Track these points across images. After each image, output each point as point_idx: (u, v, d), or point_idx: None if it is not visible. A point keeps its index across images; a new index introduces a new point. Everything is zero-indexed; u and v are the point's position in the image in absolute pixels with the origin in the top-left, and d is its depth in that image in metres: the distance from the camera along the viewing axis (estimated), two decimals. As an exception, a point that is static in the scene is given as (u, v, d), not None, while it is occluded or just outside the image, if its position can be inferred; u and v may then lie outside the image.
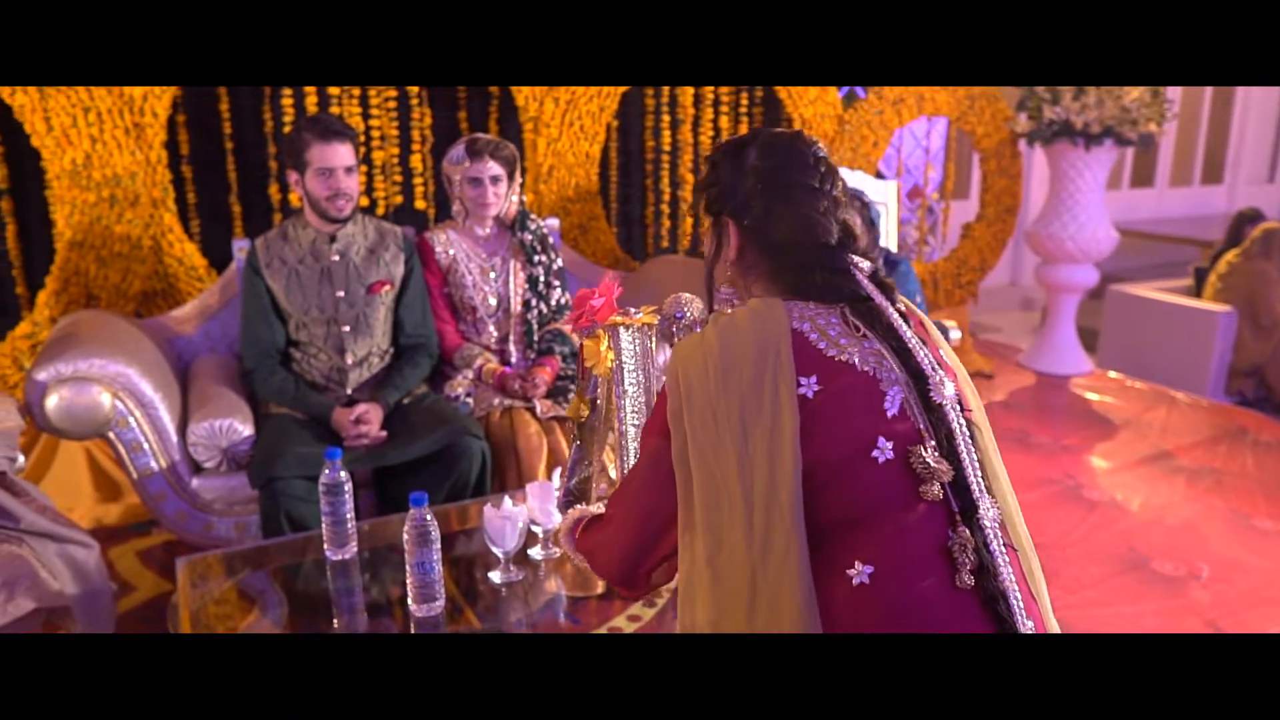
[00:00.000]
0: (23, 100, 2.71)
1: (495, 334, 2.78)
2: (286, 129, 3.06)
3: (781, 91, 3.85)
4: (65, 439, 2.50)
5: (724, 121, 3.80)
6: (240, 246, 2.75)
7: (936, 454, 1.08)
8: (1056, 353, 4.69)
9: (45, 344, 2.47)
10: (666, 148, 3.75)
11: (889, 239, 3.76)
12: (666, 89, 3.69)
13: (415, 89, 3.25)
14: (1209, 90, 7.70)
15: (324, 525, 1.94)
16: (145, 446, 2.38)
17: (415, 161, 3.30)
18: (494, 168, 2.67)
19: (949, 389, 1.11)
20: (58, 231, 2.84)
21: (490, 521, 1.85)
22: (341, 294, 2.53)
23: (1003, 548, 1.09)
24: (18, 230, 2.93)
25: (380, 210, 3.28)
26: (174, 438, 2.42)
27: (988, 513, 1.09)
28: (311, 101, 3.10)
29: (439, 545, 1.72)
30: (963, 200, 6.12)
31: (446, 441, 2.40)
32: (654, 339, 1.56)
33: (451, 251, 2.74)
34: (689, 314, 1.53)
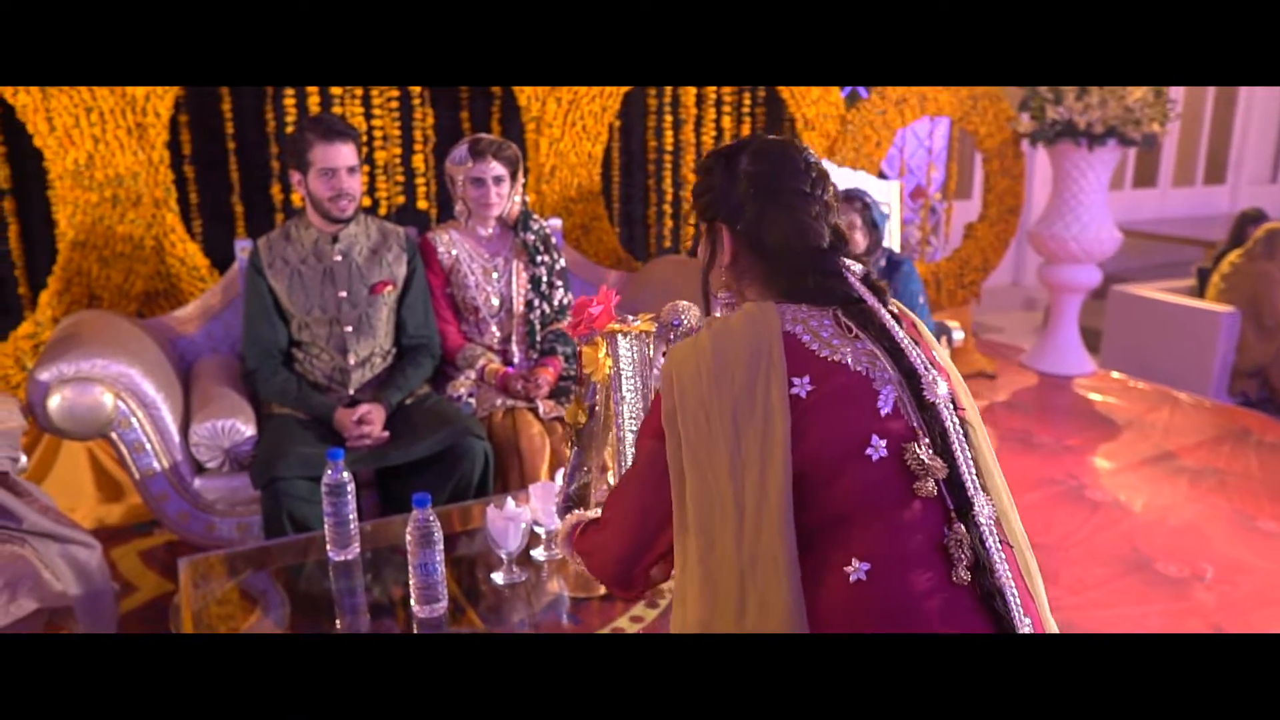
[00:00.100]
0: (25, 100, 2.72)
1: (498, 334, 2.78)
2: (289, 129, 3.06)
3: (784, 91, 3.85)
4: (67, 439, 2.50)
5: (726, 121, 3.79)
6: (243, 247, 2.75)
7: (930, 451, 1.10)
8: (1059, 353, 4.68)
9: (48, 344, 2.47)
10: (669, 148, 3.75)
11: (892, 239, 3.76)
12: (669, 89, 3.69)
13: (417, 89, 3.25)
14: (1212, 90, 7.69)
15: (326, 526, 1.94)
16: (147, 447, 2.38)
17: (418, 162, 3.31)
18: (497, 168, 2.66)
19: (942, 388, 1.13)
20: (60, 231, 2.84)
21: (493, 522, 1.85)
22: (344, 294, 2.53)
23: (999, 544, 1.10)
24: (20, 230, 2.93)
25: (382, 210, 3.28)
26: (176, 438, 2.42)
27: (983, 510, 1.10)
28: (314, 101, 3.10)
29: (442, 546, 1.72)
30: (965, 200, 6.12)
31: (449, 442, 2.40)
32: (652, 346, 1.57)
33: (454, 252, 2.74)
34: (686, 321, 1.54)
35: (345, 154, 2.45)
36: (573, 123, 3.42)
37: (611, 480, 1.58)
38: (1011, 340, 5.45)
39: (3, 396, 2.36)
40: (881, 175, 4.20)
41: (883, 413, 1.10)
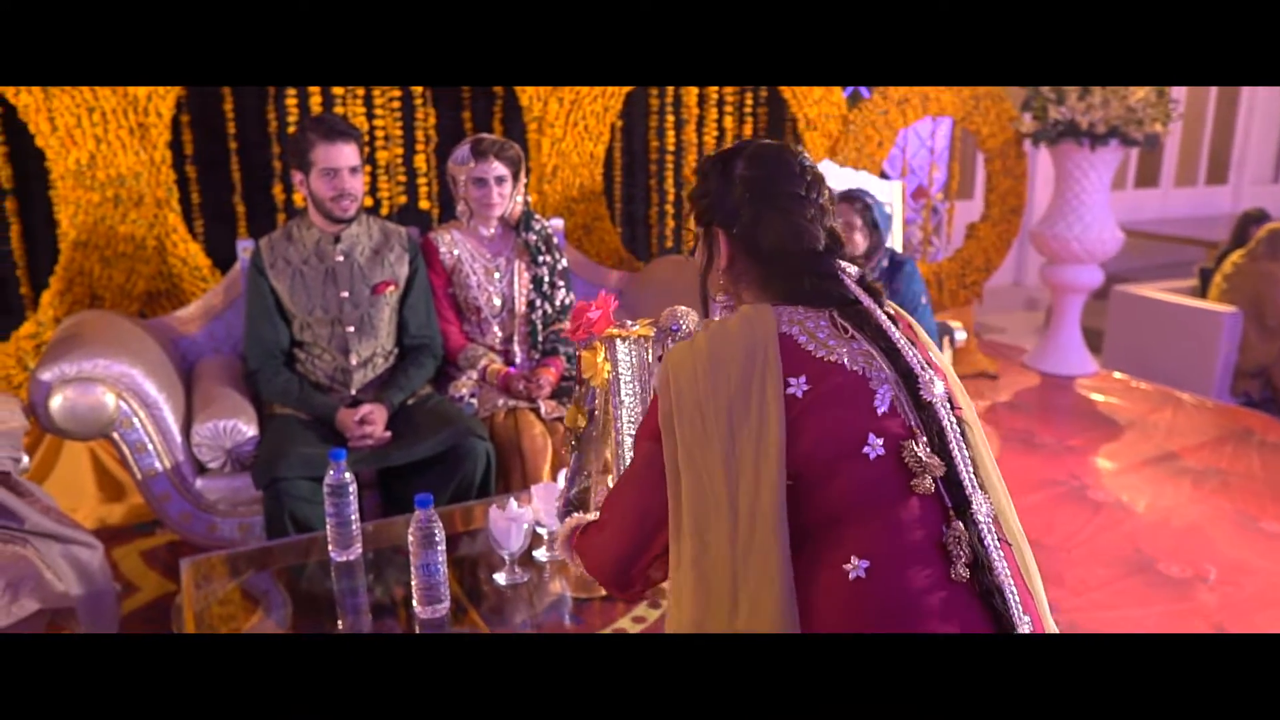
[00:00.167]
0: (27, 100, 2.72)
1: (500, 334, 2.78)
2: (291, 129, 3.06)
3: (786, 92, 3.85)
4: (69, 439, 2.50)
5: (728, 122, 3.79)
6: (244, 247, 2.75)
7: (928, 450, 1.11)
8: (1061, 353, 4.68)
9: (49, 344, 2.47)
10: (671, 148, 3.75)
11: (894, 240, 3.76)
12: (671, 89, 3.69)
13: (419, 89, 3.25)
14: (1214, 90, 7.68)
15: (328, 526, 1.94)
16: (149, 447, 2.38)
17: (419, 162, 3.31)
18: (499, 168, 2.66)
19: (938, 387, 1.14)
20: (62, 231, 2.84)
21: (495, 523, 1.85)
22: (346, 294, 2.53)
23: (997, 543, 1.11)
24: (22, 230, 2.93)
25: (384, 210, 3.28)
26: (178, 438, 2.42)
27: (981, 508, 1.11)
28: (316, 101, 3.10)
29: (444, 546, 1.72)
30: (967, 200, 6.12)
31: (451, 442, 2.40)
32: (650, 351, 1.58)
33: (456, 252, 2.74)
34: (684, 326, 1.55)
35: (347, 154, 2.45)
36: (575, 123, 3.42)
37: (612, 483, 1.59)
38: (1013, 340, 5.45)
39: (4, 397, 2.36)
40: (883, 175, 4.19)
41: (879, 412, 1.11)
